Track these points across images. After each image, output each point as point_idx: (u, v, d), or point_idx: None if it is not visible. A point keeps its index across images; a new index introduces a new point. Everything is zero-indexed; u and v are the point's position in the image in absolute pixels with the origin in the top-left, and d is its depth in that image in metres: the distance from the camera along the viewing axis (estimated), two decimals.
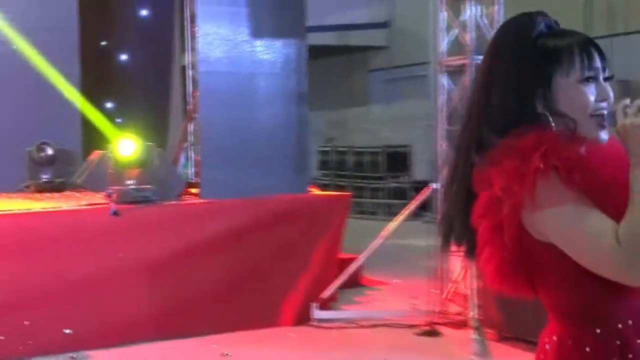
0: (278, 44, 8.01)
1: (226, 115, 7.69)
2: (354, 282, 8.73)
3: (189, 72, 8.86)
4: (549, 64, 1.95)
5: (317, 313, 7.50)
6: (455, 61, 7.59)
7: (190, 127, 8.72)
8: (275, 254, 7.48)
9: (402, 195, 16.22)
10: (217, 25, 7.69)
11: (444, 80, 7.68)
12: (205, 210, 7.48)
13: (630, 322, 1.94)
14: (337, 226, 8.02)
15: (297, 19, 8.18)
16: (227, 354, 6.56)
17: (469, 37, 7.33)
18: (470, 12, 7.32)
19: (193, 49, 8.47)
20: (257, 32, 7.80)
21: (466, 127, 2.04)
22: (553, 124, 1.92)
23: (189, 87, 8.93)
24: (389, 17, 21.44)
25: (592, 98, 1.93)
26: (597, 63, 1.95)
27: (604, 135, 1.93)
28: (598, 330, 1.95)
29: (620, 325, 1.93)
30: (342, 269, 8.06)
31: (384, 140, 18.68)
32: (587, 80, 1.93)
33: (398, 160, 17.93)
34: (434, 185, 7.83)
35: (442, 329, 7.23)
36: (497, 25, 7.48)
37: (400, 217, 8.06)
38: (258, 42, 7.88)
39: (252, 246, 7.34)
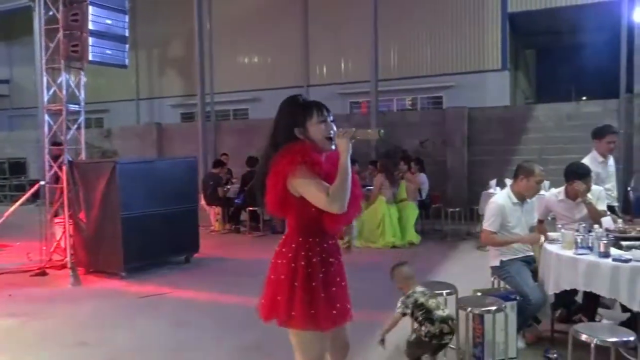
0: None
1: None
2: None
3: None
4: (304, 115, 2.25)
5: None
6: (55, 107, 7.18)
7: None
8: None
9: (22, 188, 14.43)
10: None
11: (47, 118, 7.23)
12: None
13: (317, 239, 2.26)
14: None
15: None
16: None
17: (63, 93, 7.01)
18: (63, 78, 7.00)
19: None
20: None
21: (267, 145, 2.29)
22: (307, 142, 2.23)
23: None
24: (10, 77, 20.06)
25: (324, 130, 2.26)
26: (325, 113, 2.28)
27: (333, 147, 2.25)
28: (300, 239, 2.25)
29: (310, 239, 2.25)
30: None
31: (7, 154, 16.69)
32: (321, 122, 2.26)
33: (18, 167, 16.19)
34: (42, 182, 7.37)
35: (50, 271, 6.81)
36: (82, 86, 7.40)
37: (19, 202, 7.42)
38: None
39: None
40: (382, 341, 3.41)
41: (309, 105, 2.30)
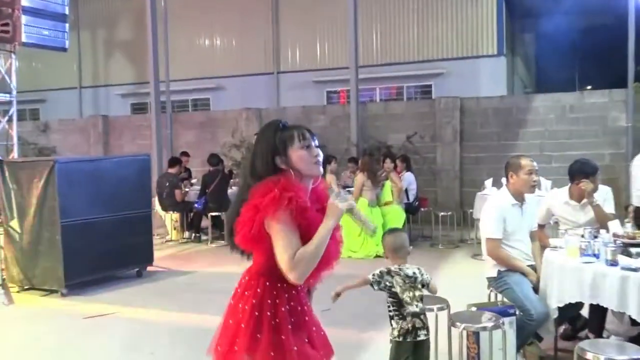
0: None
1: None
2: None
3: None
4: (284, 142, 2.29)
5: None
6: None
7: None
8: None
9: None
10: None
11: None
12: None
13: (285, 285, 2.24)
14: None
15: None
16: None
17: None
18: None
19: None
20: None
21: (246, 174, 2.32)
22: (292, 174, 2.26)
23: None
24: None
25: (309, 156, 2.29)
26: (308, 136, 2.32)
27: (321, 170, 2.34)
28: (267, 283, 2.26)
29: (279, 285, 2.25)
30: None
31: None
32: (304, 147, 2.30)
33: None
34: None
35: None
36: (14, 72, 7.28)
37: None
38: None
39: None
40: (337, 295, 3.46)
41: (289, 130, 2.35)
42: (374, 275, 3.44)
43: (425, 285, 3.46)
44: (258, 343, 2.21)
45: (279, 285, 2.26)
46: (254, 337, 2.21)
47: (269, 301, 2.24)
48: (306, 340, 2.29)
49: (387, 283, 3.42)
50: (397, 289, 3.39)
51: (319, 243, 2.16)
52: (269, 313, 2.23)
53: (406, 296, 3.38)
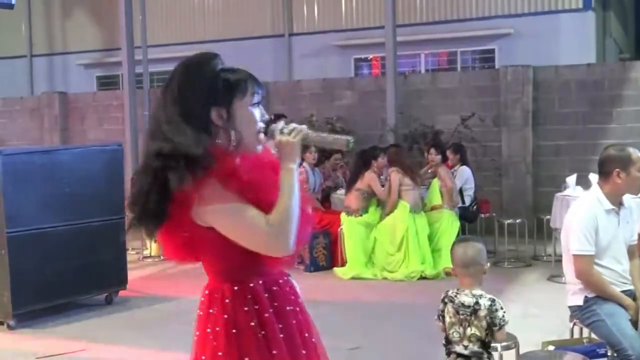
0: None
1: None
2: None
3: None
4: (230, 91, 2.19)
5: None
6: None
7: None
8: None
9: None
10: None
11: None
12: None
13: (260, 281, 2.26)
14: None
15: None
16: None
17: None
18: None
19: None
20: None
21: (154, 140, 2.18)
22: (219, 140, 2.17)
23: None
24: None
25: (258, 117, 2.24)
26: (260, 92, 2.27)
27: (260, 148, 2.25)
28: (235, 287, 2.24)
29: (251, 284, 2.24)
30: None
31: None
32: (254, 104, 2.24)
33: None
34: None
35: None
36: None
37: None
38: None
39: None
40: None
41: (240, 75, 2.27)
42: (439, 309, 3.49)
43: (495, 325, 3.33)
44: None
45: (251, 285, 2.26)
46: None
47: (246, 309, 2.24)
48: (303, 351, 2.31)
49: (440, 311, 3.45)
50: (447, 320, 3.39)
51: (289, 191, 2.15)
52: (252, 324, 2.22)
53: (454, 332, 3.37)
